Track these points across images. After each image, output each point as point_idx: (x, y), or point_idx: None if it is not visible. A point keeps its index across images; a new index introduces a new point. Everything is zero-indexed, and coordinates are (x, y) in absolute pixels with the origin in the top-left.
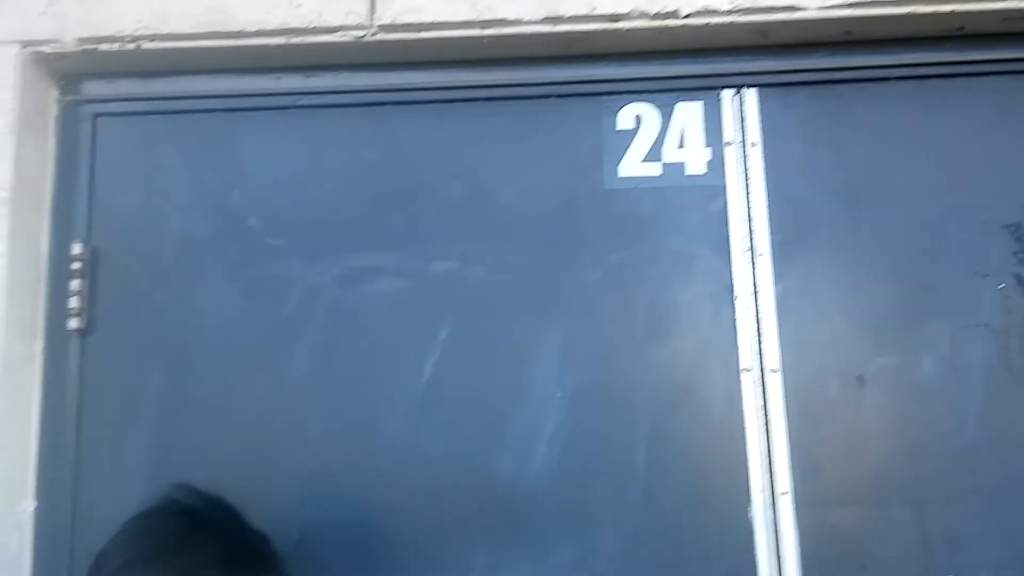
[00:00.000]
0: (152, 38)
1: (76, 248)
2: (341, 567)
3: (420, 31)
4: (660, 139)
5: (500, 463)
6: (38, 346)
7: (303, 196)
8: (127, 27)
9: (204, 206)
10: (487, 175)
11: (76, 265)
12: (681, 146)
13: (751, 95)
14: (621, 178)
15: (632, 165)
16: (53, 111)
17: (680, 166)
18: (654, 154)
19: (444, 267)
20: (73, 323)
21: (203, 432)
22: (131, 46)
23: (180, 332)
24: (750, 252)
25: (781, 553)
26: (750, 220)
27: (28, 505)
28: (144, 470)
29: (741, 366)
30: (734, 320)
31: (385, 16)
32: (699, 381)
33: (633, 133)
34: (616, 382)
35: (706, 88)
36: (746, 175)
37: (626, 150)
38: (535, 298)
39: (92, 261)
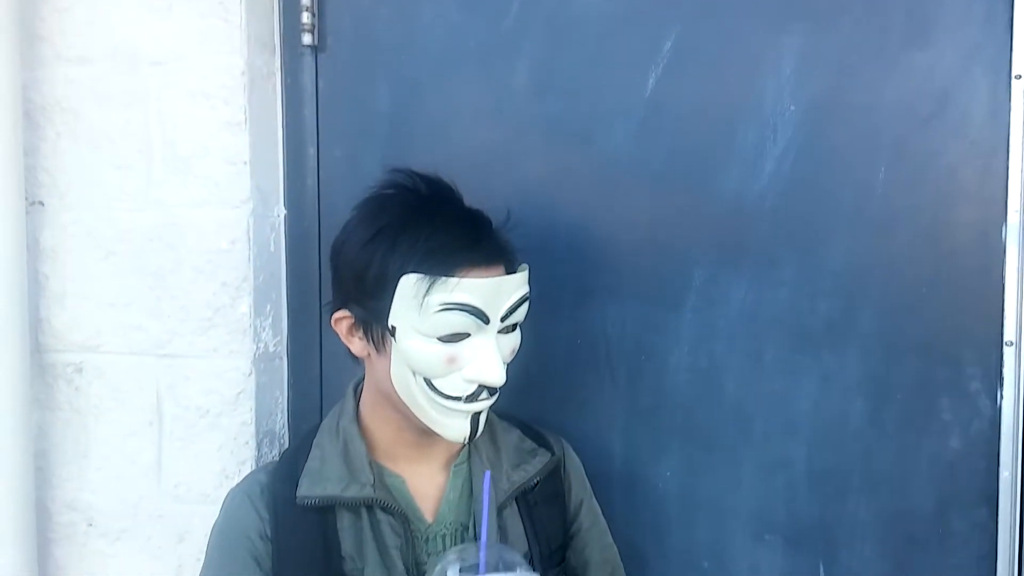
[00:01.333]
0: None
1: None
2: (560, 271)
3: None
4: None
5: (724, 178)
6: (277, 62)
7: None
8: None
9: None
10: None
11: None
12: None
13: None
14: None
15: None
16: None
17: None
18: None
19: None
20: (306, 39)
21: (429, 143)
22: None
23: (404, 47)
24: None
25: None
26: None
27: (280, 211)
28: (377, 178)
29: (1013, 72)
30: (1010, 20)
31: None
32: (958, 91)
33: None
34: (858, 95)
35: None
36: None
37: None
38: (769, 2)
39: None
